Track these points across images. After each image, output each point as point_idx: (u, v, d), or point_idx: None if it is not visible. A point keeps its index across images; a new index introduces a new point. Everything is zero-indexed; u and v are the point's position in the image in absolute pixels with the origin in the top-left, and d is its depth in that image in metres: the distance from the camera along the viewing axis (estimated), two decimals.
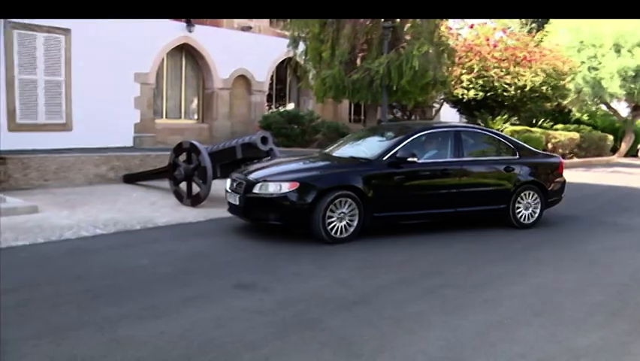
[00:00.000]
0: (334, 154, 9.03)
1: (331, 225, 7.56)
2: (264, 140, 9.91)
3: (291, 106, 21.83)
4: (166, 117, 17.92)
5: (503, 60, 20.73)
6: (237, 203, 7.98)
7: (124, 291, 5.57)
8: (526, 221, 9.09)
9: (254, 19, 19.62)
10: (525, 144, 9.95)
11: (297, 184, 7.52)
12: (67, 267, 6.34)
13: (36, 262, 6.53)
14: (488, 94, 20.82)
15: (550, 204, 9.56)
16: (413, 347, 4.40)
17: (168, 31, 16.84)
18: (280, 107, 21.46)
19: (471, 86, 20.77)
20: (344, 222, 7.66)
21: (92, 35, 14.70)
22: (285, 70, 21.23)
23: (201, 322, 4.80)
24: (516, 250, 7.77)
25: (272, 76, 20.63)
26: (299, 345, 4.39)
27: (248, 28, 19.78)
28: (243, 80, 19.45)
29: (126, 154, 12.91)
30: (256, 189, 7.67)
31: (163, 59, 17.28)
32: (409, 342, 4.50)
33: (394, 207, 8.16)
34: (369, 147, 8.71)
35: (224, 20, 19.07)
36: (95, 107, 14.81)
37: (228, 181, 8.40)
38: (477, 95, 20.76)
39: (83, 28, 14.56)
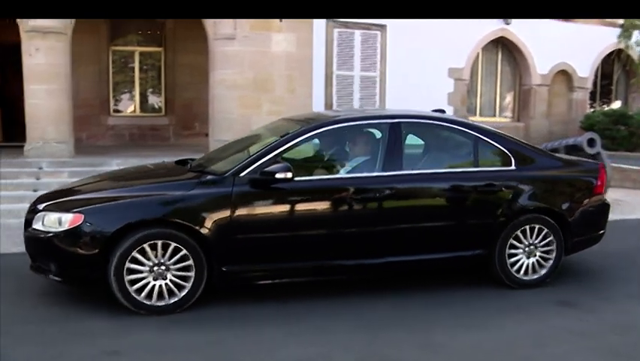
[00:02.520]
0: (202, 164, 5.70)
1: (141, 284, 4.73)
2: (590, 142, 8.81)
3: (617, 104, 19.36)
4: (479, 115, 16.96)
5: None
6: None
7: (438, 293, 5.33)
8: (526, 276, 5.55)
9: None
10: (531, 145, 6.05)
11: (82, 217, 4.70)
12: None
13: None
14: None
15: (577, 246, 5.81)
16: None
17: (484, 25, 15.99)
18: (604, 106, 19.01)
19: None
20: (165, 281, 4.76)
21: (406, 31, 14.36)
22: (611, 64, 19.05)
23: (520, 337, 4.47)
24: None
25: (596, 71, 18.38)
26: None
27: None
28: (564, 75, 17.69)
29: None
30: (37, 223, 4.96)
31: (478, 54, 16.47)
32: None
33: (261, 256, 5.01)
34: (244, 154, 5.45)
35: None
36: (407, 102, 14.46)
37: None
38: None
39: (398, 24, 14.31)
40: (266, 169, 4.90)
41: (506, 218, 5.45)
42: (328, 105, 14.18)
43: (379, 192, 5.14)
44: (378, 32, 14.70)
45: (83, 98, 13.14)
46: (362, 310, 4.91)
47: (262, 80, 11.25)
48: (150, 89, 14.77)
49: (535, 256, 5.58)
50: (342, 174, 5.44)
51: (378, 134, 5.52)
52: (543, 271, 5.60)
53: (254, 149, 5.35)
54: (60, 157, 10.41)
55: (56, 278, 4.90)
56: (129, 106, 14.65)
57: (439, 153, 5.83)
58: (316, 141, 5.52)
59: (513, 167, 5.58)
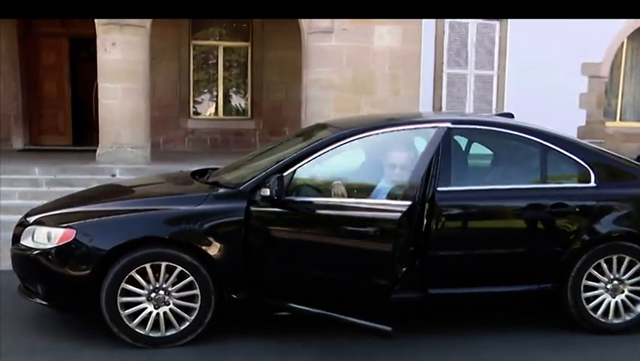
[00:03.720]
0: (220, 175, 5.55)
1: (136, 311, 4.69)
2: None
3: None
4: (619, 119, 16.04)
5: None
6: None
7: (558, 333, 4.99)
8: (609, 319, 5.13)
9: None
10: (625, 158, 5.55)
11: (74, 233, 4.65)
12: None
13: None
14: None
15: None
16: None
17: None
18: None
19: None
20: (166, 308, 4.69)
21: (531, 23, 13.60)
22: None
23: None
24: None
25: None
26: None
27: None
28: None
29: None
30: (25, 239, 4.91)
31: (622, 44, 15.53)
32: None
33: (279, 284, 4.76)
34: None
35: None
36: (529, 104, 13.38)
37: None
38: None
39: None
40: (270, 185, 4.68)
41: (582, 246, 5.11)
42: (437, 109, 13.90)
43: (418, 209, 4.94)
44: (497, 23, 14.11)
45: (160, 98, 13.41)
46: (476, 349, 4.84)
47: (362, 79, 11.13)
48: (234, 89, 14.88)
49: (623, 293, 5.18)
50: (374, 194, 5.01)
51: (421, 142, 5.21)
52: (634, 315, 5.21)
53: (284, 156, 5.08)
54: (135, 164, 10.62)
55: (43, 302, 4.87)
56: (211, 108, 14.82)
57: (495, 165, 5.62)
58: (359, 151, 5.35)
59: (592, 183, 5.24)
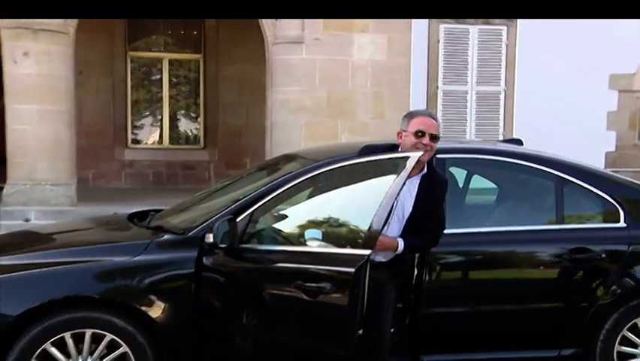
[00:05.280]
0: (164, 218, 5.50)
1: None
2: None
3: None
4: None
5: None
6: None
7: None
8: None
9: None
10: None
11: None
12: None
13: None
14: None
15: None
16: None
17: None
18: None
19: None
20: None
21: (545, 24, 13.66)
22: None
23: None
24: None
25: None
26: None
27: None
28: None
29: None
30: None
31: None
32: None
33: (235, 352, 4.64)
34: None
35: None
36: (544, 126, 13.63)
37: None
38: None
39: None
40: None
41: (611, 301, 5.06)
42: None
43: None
44: (504, 28, 14.17)
45: (89, 123, 13.36)
46: None
47: (339, 100, 11.21)
48: (183, 112, 15.01)
49: None
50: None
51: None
52: None
53: (244, 194, 4.97)
54: (56, 205, 10.41)
55: None
56: (154, 134, 14.86)
57: (501, 203, 5.72)
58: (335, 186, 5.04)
59: (622, 223, 5.18)
